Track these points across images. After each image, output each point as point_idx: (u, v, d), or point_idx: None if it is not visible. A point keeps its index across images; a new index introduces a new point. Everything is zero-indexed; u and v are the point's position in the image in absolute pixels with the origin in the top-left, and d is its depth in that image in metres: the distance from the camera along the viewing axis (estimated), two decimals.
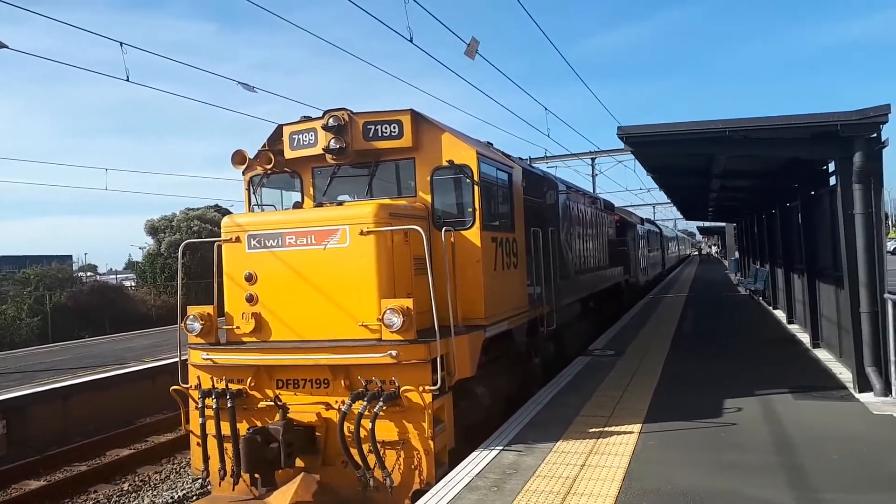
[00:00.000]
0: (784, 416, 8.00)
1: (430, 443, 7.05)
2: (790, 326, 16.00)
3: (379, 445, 6.94)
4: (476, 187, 8.35)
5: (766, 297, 21.64)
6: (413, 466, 7.08)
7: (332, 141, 8.41)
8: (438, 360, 7.09)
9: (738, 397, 8.87)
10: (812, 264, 12.62)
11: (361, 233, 7.30)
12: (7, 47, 16.51)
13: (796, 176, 12.44)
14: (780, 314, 18.19)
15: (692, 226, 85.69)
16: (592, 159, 38.91)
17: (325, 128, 8.44)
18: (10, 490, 10.06)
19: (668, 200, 32.76)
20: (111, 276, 53.20)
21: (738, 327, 16.39)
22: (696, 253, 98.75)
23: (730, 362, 11.57)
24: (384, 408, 6.92)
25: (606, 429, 7.78)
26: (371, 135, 8.43)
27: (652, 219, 47.33)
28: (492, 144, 10.34)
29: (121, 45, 13.75)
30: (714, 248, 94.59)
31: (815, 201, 12.02)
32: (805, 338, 13.50)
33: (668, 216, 71.39)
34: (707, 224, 59.49)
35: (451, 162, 8.37)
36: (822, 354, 11.82)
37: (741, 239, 36.48)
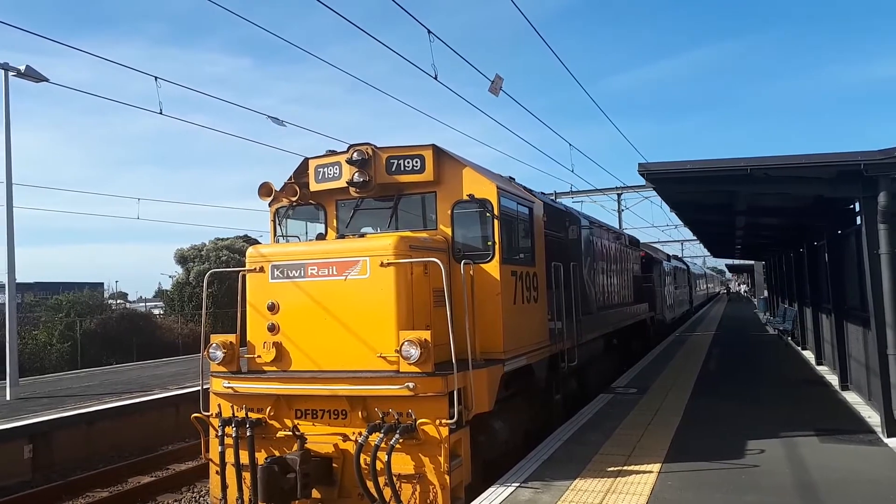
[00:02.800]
0: (808, 459, 7.83)
1: (446, 477, 7.01)
2: (819, 368, 15.67)
3: (395, 478, 6.91)
4: (496, 221, 8.42)
5: (795, 337, 21.24)
6: (429, 501, 7.03)
7: (356, 174, 8.58)
8: (455, 393, 7.09)
9: (761, 439, 8.70)
10: (840, 304, 12.42)
11: (382, 264, 7.39)
12: (48, 81, 17.16)
13: (823, 214, 12.31)
14: (809, 355, 17.83)
15: (721, 263, 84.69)
16: (618, 195, 38.81)
17: (350, 162, 8.62)
18: None
19: (695, 237, 32.49)
20: (140, 304, 53.90)
21: (764, 368, 16.08)
22: (725, 291, 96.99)
23: (754, 403, 11.35)
24: (400, 440, 6.91)
25: (625, 468, 7.67)
26: (394, 169, 8.59)
27: (680, 255, 46.93)
28: (514, 179, 10.43)
29: (155, 80, 14.23)
30: (743, 287, 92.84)
31: (842, 240, 11.88)
32: (834, 380, 13.21)
33: (697, 253, 70.78)
34: (736, 262, 58.70)
35: (471, 196, 8.47)
36: (851, 397, 11.56)
37: (770, 277, 35.95)
